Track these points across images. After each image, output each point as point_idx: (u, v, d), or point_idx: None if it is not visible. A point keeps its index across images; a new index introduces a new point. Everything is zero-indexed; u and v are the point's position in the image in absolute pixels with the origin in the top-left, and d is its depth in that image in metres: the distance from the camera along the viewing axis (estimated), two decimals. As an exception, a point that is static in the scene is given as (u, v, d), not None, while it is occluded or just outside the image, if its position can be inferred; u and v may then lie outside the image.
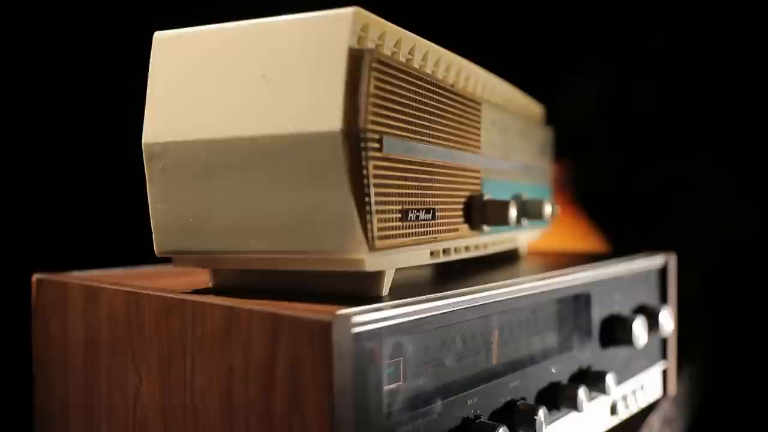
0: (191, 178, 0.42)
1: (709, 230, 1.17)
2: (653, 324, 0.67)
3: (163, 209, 0.43)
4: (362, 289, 0.44)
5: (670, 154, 1.21)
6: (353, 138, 0.38)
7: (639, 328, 0.63)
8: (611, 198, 1.19)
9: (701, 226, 1.17)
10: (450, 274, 0.58)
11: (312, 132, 0.38)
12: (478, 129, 0.55)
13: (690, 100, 1.20)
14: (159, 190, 0.43)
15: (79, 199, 0.81)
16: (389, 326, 0.39)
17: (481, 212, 0.52)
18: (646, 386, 0.69)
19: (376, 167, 0.39)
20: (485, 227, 0.53)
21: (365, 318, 0.37)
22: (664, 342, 0.73)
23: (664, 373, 0.73)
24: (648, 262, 0.71)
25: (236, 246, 0.42)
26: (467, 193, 0.52)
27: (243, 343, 0.39)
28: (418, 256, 0.47)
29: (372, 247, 0.38)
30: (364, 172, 0.38)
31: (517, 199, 0.63)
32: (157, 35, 0.44)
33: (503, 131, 0.61)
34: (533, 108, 0.73)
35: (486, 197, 0.53)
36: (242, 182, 0.41)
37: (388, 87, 0.40)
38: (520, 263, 0.68)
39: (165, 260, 0.47)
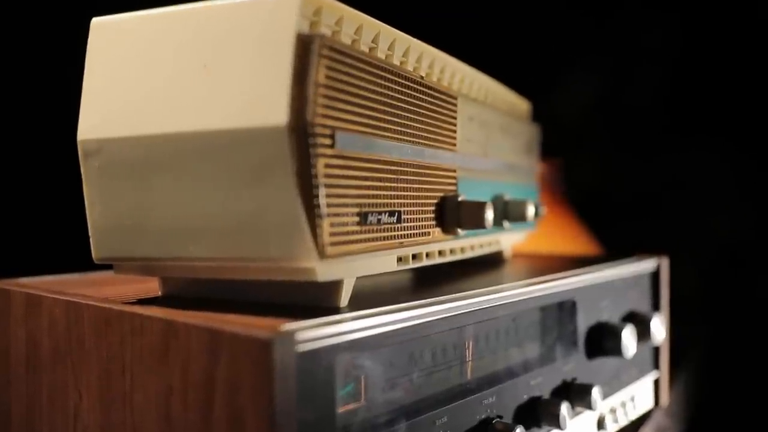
0: (129, 177, 0.39)
1: (705, 230, 1.13)
2: (644, 332, 0.63)
3: (100, 212, 0.40)
4: (319, 299, 0.40)
5: (665, 153, 1.17)
6: (300, 133, 0.34)
7: (628, 337, 0.59)
8: (603, 197, 1.15)
9: (697, 226, 1.14)
10: (428, 281, 0.54)
11: (255, 126, 0.34)
12: (454, 125, 0.51)
13: (685, 97, 1.17)
14: (95, 191, 0.40)
15: (31, 200, 0.77)
16: (346, 341, 0.36)
17: (455, 214, 0.48)
18: (636, 398, 0.66)
19: (327, 165, 0.35)
20: (460, 230, 0.49)
21: (315, 333, 0.34)
22: (656, 350, 0.69)
23: (656, 383, 0.69)
24: (639, 266, 0.67)
25: (176, 252, 0.38)
26: (440, 194, 0.48)
27: (182, 359, 0.36)
28: (383, 263, 0.43)
29: (323, 254, 0.35)
30: (313, 170, 0.34)
31: (498, 199, 0.59)
32: (95, 21, 0.40)
33: (483, 127, 0.57)
34: (518, 103, 0.69)
35: (461, 198, 0.49)
36: (182, 182, 0.37)
37: (343, 77, 0.36)
38: (503, 267, 0.65)
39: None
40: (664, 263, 0.70)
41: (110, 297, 0.43)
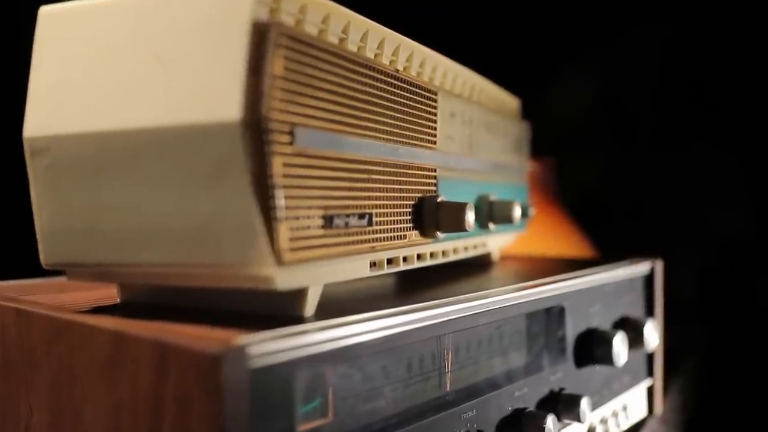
0: (79, 177, 0.36)
1: (702, 232, 1.11)
2: (637, 338, 0.61)
3: (49, 214, 0.37)
4: (284, 308, 0.37)
5: (661, 153, 1.14)
6: (255, 129, 0.31)
7: (619, 344, 0.56)
8: (598, 198, 1.12)
9: (694, 227, 1.11)
10: (409, 285, 0.52)
11: (208, 122, 0.32)
12: (434, 122, 0.48)
13: (682, 96, 1.14)
14: (44, 192, 0.37)
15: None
16: (308, 355, 0.33)
17: (433, 216, 0.46)
18: (629, 406, 0.63)
19: (286, 164, 0.32)
20: (439, 233, 0.46)
21: (271, 347, 0.31)
22: (649, 357, 0.67)
23: (650, 390, 0.67)
24: (632, 270, 0.64)
25: (129, 257, 0.35)
26: (418, 195, 0.46)
27: (130, 373, 0.33)
28: (354, 269, 0.40)
29: (281, 261, 0.32)
30: (269, 170, 0.31)
31: (483, 200, 0.56)
32: (43, 10, 0.38)
33: (467, 124, 0.54)
34: (507, 100, 0.66)
35: (440, 199, 0.46)
36: (134, 183, 0.34)
37: (304, 69, 0.34)
38: (490, 271, 0.62)
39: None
40: (659, 266, 0.67)
41: (64, 304, 0.41)
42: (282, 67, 0.32)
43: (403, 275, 0.54)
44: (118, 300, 0.42)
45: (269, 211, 0.31)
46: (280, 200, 0.32)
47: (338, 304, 0.41)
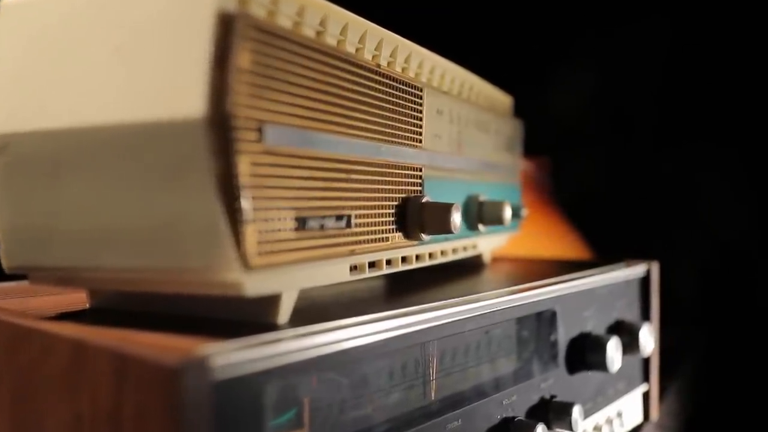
0: (39, 177, 0.34)
1: (700, 233, 1.09)
2: (632, 343, 0.59)
3: (9, 216, 0.35)
4: (257, 314, 0.35)
5: (658, 152, 1.13)
6: (220, 126, 0.29)
7: (613, 349, 0.54)
8: (594, 198, 1.10)
9: (692, 228, 1.09)
10: (397, 289, 0.50)
11: (170, 119, 0.30)
12: (419, 119, 0.46)
13: (680, 96, 1.12)
14: (3, 192, 0.35)
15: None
16: (280, 365, 0.31)
17: (417, 217, 0.44)
18: (624, 413, 0.61)
19: (254, 164, 0.30)
20: (424, 235, 0.45)
21: (237, 357, 0.29)
22: (645, 362, 0.65)
23: (645, 396, 0.65)
24: (627, 272, 0.62)
25: (89, 261, 0.33)
26: (402, 195, 0.44)
27: (90, 384, 0.31)
28: (333, 273, 0.38)
29: (249, 266, 0.30)
30: (235, 169, 0.29)
31: (473, 200, 0.54)
32: (4, 2, 0.36)
33: (455, 122, 0.52)
34: (498, 97, 0.64)
35: (425, 199, 0.44)
36: (95, 183, 0.32)
37: (275, 63, 0.32)
38: (480, 273, 0.60)
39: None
40: (655, 268, 0.65)
41: (29, 310, 0.39)
42: (249, 61, 0.30)
43: (391, 278, 0.52)
44: (87, 305, 0.40)
45: (235, 213, 0.29)
46: (247, 201, 0.30)
47: (317, 310, 0.39)
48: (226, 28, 0.30)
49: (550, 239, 0.94)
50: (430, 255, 0.49)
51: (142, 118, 0.31)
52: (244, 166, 0.30)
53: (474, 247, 0.58)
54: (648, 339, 0.59)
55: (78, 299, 0.42)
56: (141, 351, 0.28)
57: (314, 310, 0.39)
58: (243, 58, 0.30)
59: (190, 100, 0.29)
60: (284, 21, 0.34)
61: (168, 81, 0.30)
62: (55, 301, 0.43)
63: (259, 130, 0.30)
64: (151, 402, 0.28)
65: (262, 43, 0.31)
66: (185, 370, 0.27)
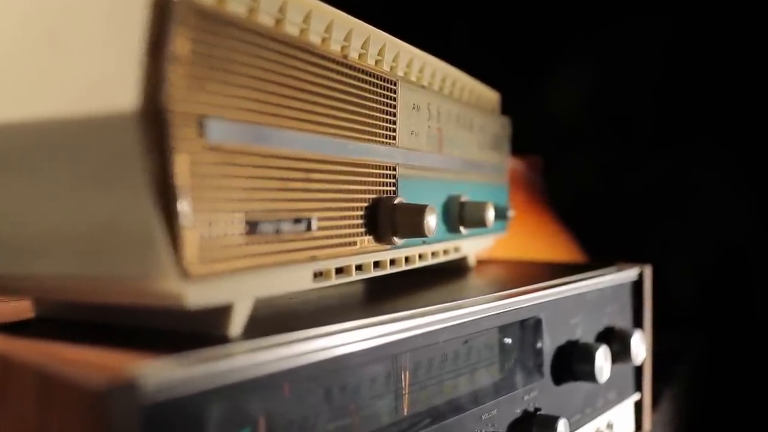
0: (-32, 177, 0.31)
1: (697, 234, 1.06)
2: (623, 351, 0.56)
3: (-62, 219, 0.32)
4: (208, 325, 0.32)
5: (655, 153, 1.10)
6: (155, 121, 0.26)
7: (602, 358, 0.52)
8: (588, 199, 1.08)
9: (689, 229, 1.06)
10: (371, 296, 0.47)
11: (101, 114, 0.27)
12: (393, 114, 0.44)
13: (677, 96, 1.09)
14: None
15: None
16: (229, 383, 0.28)
17: (389, 220, 0.41)
18: (615, 424, 0.58)
19: (195, 162, 0.28)
20: (396, 239, 0.42)
21: (175, 376, 0.26)
22: (638, 370, 0.62)
23: (638, 406, 0.62)
24: (618, 277, 0.59)
25: (24, 269, 0.31)
26: (374, 196, 0.41)
27: (17, 404, 0.28)
28: (293, 280, 0.36)
29: (188, 274, 0.27)
30: (171, 168, 0.26)
31: (453, 201, 0.52)
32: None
33: (434, 119, 0.50)
34: (484, 93, 0.61)
35: (397, 201, 0.42)
36: (22, 183, 0.30)
37: (220, 53, 0.29)
38: (463, 278, 0.57)
39: None
40: (647, 272, 0.62)
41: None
42: (189, 50, 0.27)
43: (370, 285, 0.49)
44: (32, 315, 0.37)
45: (173, 216, 0.27)
46: (186, 204, 0.27)
47: (277, 320, 0.37)
48: (163, 12, 0.27)
49: (543, 241, 0.91)
50: (407, 259, 0.47)
51: (73, 113, 0.28)
52: (182, 165, 0.27)
53: (456, 250, 0.55)
54: (640, 346, 0.57)
55: (22, 308, 0.39)
56: (65, 370, 0.26)
57: (274, 320, 0.36)
58: (182, 45, 0.27)
59: (122, 92, 0.26)
60: (237, 7, 0.31)
61: (99, 71, 0.27)
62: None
63: (201, 125, 0.28)
64: (76, 428, 0.25)
65: (206, 30, 0.28)
66: (111, 393, 0.24)
